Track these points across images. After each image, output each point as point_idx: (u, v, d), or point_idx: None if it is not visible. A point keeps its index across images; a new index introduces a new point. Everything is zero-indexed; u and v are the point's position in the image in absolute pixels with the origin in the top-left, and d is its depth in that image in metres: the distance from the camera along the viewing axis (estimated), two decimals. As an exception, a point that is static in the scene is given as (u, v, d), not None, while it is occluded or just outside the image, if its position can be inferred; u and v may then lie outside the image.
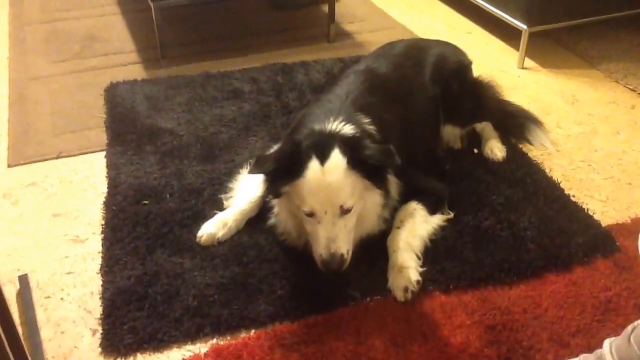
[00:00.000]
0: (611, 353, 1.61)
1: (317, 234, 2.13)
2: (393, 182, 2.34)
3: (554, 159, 2.97)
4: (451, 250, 2.37)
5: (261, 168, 2.16)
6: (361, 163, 2.12)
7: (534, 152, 3.00)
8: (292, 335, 2.05)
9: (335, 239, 2.10)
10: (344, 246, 2.12)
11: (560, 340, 2.04)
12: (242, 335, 2.08)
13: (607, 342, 1.65)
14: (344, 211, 2.12)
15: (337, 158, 2.10)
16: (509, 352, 2.00)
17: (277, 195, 2.25)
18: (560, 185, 2.75)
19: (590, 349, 1.98)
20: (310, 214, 2.13)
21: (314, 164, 2.10)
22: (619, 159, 2.98)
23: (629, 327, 1.60)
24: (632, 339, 1.55)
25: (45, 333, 2.12)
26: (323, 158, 2.10)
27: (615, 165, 2.94)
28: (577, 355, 1.90)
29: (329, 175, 2.09)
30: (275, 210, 2.39)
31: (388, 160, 2.14)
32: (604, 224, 2.54)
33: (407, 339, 2.05)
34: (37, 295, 2.27)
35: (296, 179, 2.12)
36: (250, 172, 2.22)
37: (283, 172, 2.14)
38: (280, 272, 2.29)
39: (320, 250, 2.12)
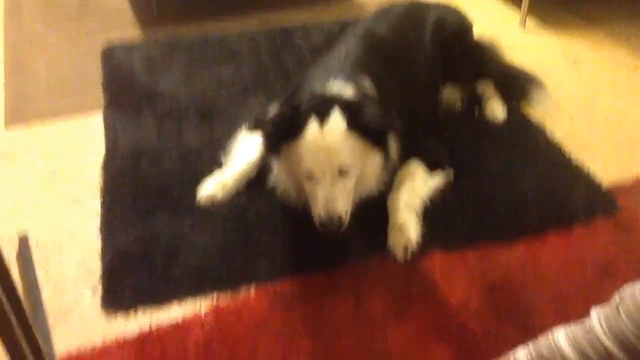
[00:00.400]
0: (600, 325, 1.51)
1: (316, 196, 2.12)
2: (393, 143, 2.32)
3: (555, 119, 2.95)
4: (451, 211, 2.37)
5: (260, 128, 2.15)
6: (361, 125, 2.11)
7: (535, 113, 2.98)
8: (292, 294, 2.07)
9: (334, 201, 2.10)
10: (342, 208, 2.12)
11: (560, 299, 2.05)
12: (241, 294, 2.08)
13: (594, 312, 1.56)
14: (343, 173, 2.11)
15: (336, 120, 2.09)
16: (508, 310, 2.01)
17: (277, 155, 2.24)
18: (561, 146, 2.74)
19: (588, 310, 1.99)
20: (309, 176, 2.12)
21: (313, 126, 2.09)
22: (621, 120, 2.96)
23: (616, 296, 1.53)
24: (621, 310, 1.48)
25: (45, 292, 2.13)
26: (322, 120, 2.09)
27: (616, 126, 2.92)
28: (575, 318, 1.88)
29: (328, 136, 2.08)
30: (275, 171, 2.38)
31: (387, 126, 2.14)
32: (605, 184, 2.54)
33: (407, 297, 2.06)
34: (37, 256, 2.27)
35: (295, 140, 2.11)
36: (249, 130, 2.20)
37: (282, 132, 2.13)
38: (279, 232, 2.29)
39: (318, 211, 2.12)
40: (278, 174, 2.38)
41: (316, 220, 2.14)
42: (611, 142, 2.82)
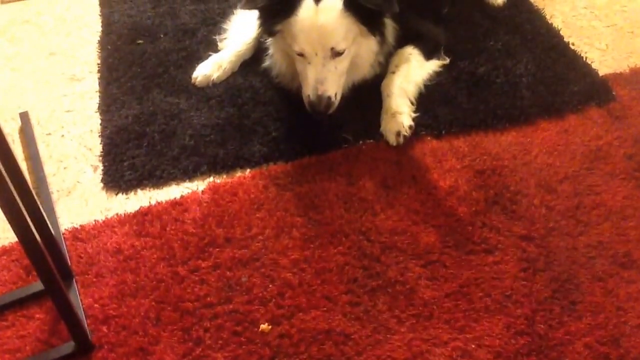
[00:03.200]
0: None
1: (306, 75, 2.13)
2: (390, 25, 2.29)
3: (555, 4, 2.88)
4: (445, 96, 2.38)
5: (253, 3, 2.11)
6: (357, 6, 2.07)
7: (536, -2, 2.91)
8: (286, 175, 2.13)
9: (324, 81, 2.11)
10: (332, 89, 2.13)
11: (548, 186, 2.10)
12: (237, 174, 2.15)
13: None
14: (336, 54, 2.10)
15: None
16: (496, 196, 2.07)
17: (271, 34, 2.22)
18: (560, 32, 2.70)
19: (576, 195, 2.06)
20: (301, 54, 2.11)
21: (307, 3, 2.06)
22: (623, 6, 2.89)
23: None
24: None
25: (48, 168, 2.20)
26: None
27: (618, 12, 2.86)
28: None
29: (322, 15, 2.05)
30: (270, 51, 2.37)
31: (386, 5, 2.09)
32: (601, 72, 2.52)
33: (398, 181, 2.12)
34: (38, 132, 2.32)
35: (289, 17, 2.08)
36: (242, 6, 2.16)
37: (276, 10, 2.10)
38: (274, 114, 2.32)
39: (308, 91, 2.13)
40: (273, 54, 2.37)
41: (305, 100, 2.16)
42: (612, 29, 2.77)
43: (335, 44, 2.09)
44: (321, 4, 2.05)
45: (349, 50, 2.15)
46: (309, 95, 2.13)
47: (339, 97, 2.17)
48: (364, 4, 2.06)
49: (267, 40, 2.34)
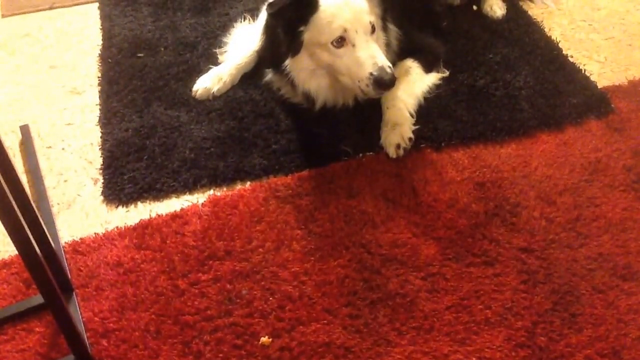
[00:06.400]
0: None
1: (357, 58, 2.11)
2: (394, 32, 2.31)
3: (554, 17, 2.90)
4: (445, 109, 2.39)
5: (277, 5, 2.09)
6: None
7: (534, 10, 2.93)
8: (286, 188, 2.13)
9: (377, 55, 2.10)
10: (387, 60, 2.12)
11: (547, 198, 2.11)
12: (237, 187, 2.15)
13: None
14: (372, 29, 2.12)
15: None
16: (496, 208, 2.07)
17: (297, 49, 2.19)
18: (559, 45, 2.72)
19: (576, 207, 2.06)
20: (341, 40, 2.10)
21: None
22: (622, 19, 2.91)
23: None
24: None
25: (49, 181, 2.20)
26: None
27: (617, 25, 2.88)
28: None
29: None
30: (291, 75, 2.29)
31: None
32: (600, 85, 2.54)
33: (398, 193, 2.12)
34: (38, 145, 2.32)
35: (313, 13, 2.10)
36: (268, 9, 2.14)
37: (299, 10, 2.11)
38: (274, 127, 2.32)
39: (367, 70, 2.09)
40: (297, 76, 2.28)
41: (366, 82, 2.11)
42: (610, 42, 2.79)
43: (370, 17, 2.11)
44: None
45: (377, 25, 2.16)
46: (371, 73, 2.09)
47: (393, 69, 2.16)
48: None
49: (287, 66, 2.28)
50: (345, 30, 2.09)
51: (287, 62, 2.25)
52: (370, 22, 2.10)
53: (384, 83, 2.09)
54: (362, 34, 2.09)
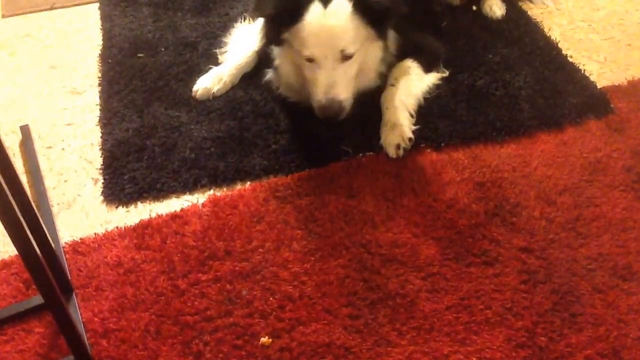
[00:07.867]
0: None
1: (317, 80, 2.13)
2: (392, 35, 2.31)
3: (553, 17, 2.91)
4: (444, 109, 2.39)
5: (261, 11, 2.11)
6: (366, 9, 2.08)
7: (534, 10, 2.93)
8: (286, 188, 2.13)
9: (335, 85, 2.11)
10: (343, 93, 2.13)
11: (547, 198, 2.10)
12: (237, 187, 2.15)
13: None
14: (345, 57, 2.10)
15: (341, 1, 2.06)
16: (496, 208, 2.07)
17: (278, 42, 2.21)
18: (559, 45, 2.72)
19: (576, 207, 2.06)
20: (311, 59, 2.12)
21: (316, 7, 2.06)
22: (621, 19, 2.91)
23: None
24: None
25: (49, 182, 2.20)
26: (326, 1, 2.06)
27: (616, 25, 2.88)
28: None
29: (331, 18, 2.06)
30: (276, 62, 2.36)
31: (395, 5, 2.09)
32: (599, 85, 2.53)
33: (397, 194, 2.12)
34: (39, 145, 2.32)
35: (297, 23, 2.09)
36: (251, 14, 2.17)
37: (283, 17, 2.11)
38: (274, 127, 2.32)
39: (319, 95, 2.12)
40: (280, 65, 2.35)
41: (316, 105, 2.15)
42: (609, 42, 2.79)
43: (344, 46, 2.09)
44: (330, 7, 2.06)
45: (358, 54, 2.15)
46: (320, 100, 2.12)
47: (349, 103, 2.17)
48: (373, 6, 2.07)
49: (273, 50, 2.33)
50: (313, 54, 2.10)
51: (274, 48, 2.28)
52: (343, 52, 2.09)
53: (327, 115, 2.13)
54: (330, 60, 2.09)
